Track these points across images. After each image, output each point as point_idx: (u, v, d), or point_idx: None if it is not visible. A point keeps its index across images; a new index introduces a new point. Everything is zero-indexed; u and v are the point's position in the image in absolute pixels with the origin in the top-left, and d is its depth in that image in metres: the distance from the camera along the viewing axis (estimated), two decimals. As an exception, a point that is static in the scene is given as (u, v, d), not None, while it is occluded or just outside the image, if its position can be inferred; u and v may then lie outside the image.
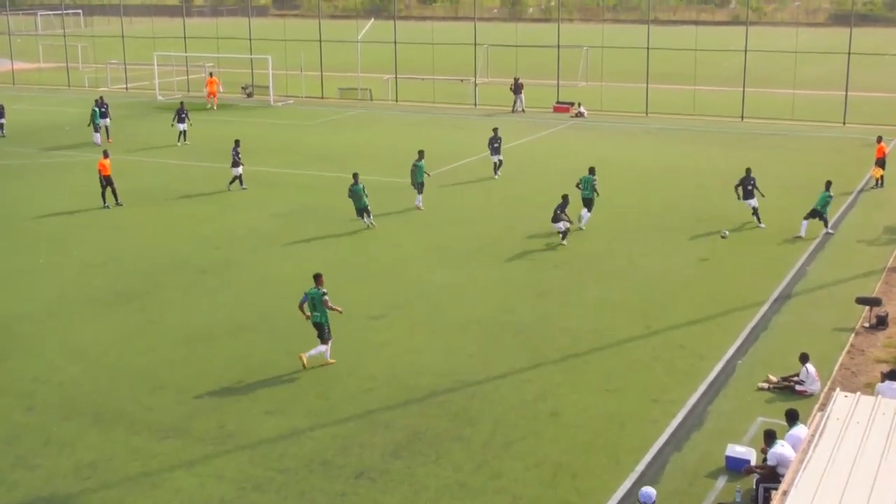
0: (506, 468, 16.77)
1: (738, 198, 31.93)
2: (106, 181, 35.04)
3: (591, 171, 32.10)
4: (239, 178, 37.22)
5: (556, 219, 29.72)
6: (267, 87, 63.34)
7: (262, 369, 20.85)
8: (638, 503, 14.58)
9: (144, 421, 18.55)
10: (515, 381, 20.21)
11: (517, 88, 57.67)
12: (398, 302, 24.76)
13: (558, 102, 58.45)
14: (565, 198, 29.99)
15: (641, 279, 26.75)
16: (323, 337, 20.98)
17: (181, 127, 47.38)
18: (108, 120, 48.61)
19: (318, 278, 21.18)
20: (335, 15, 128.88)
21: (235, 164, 36.97)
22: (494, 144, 38.94)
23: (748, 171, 32.01)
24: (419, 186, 34.29)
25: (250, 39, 67.06)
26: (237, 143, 37.61)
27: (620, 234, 30.85)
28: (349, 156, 44.11)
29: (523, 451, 17.33)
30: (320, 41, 64.63)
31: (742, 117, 54.07)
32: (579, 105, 56.78)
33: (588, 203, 31.57)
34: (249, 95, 65.37)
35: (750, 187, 31.63)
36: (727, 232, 30.06)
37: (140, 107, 60.70)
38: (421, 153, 34.76)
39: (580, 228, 31.24)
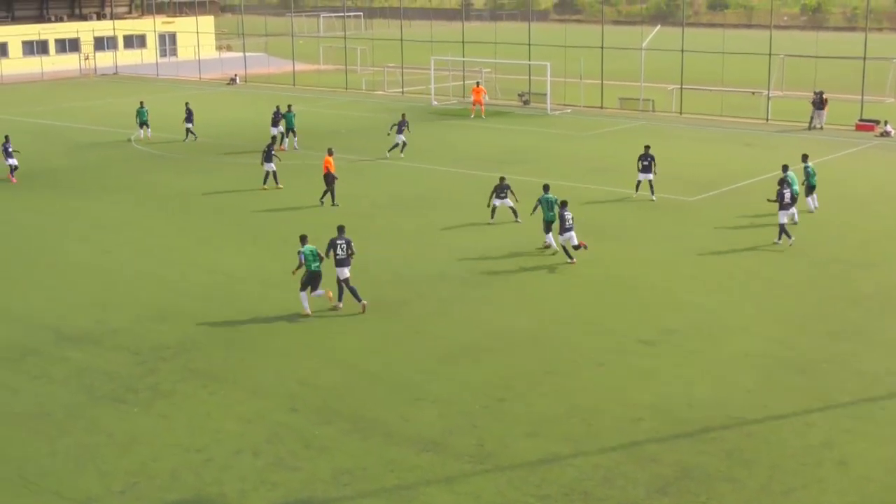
0: (783, 518, 16.13)
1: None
2: (327, 179, 36.43)
3: (785, 168, 33.61)
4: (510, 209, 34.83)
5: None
6: (544, 95, 63.94)
7: (525, 388, 21.02)
8: None
9: (403, 432, 19.11)
10: (797, 424, 19.39)
11: (819, 103, 55.40)
12: (670, 327, 24.30)
13: (861, 120, 55.75)
14: None
15: (950, 320, 25.07)
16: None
17: (400, 139, 45.90)
18: (279, 129, 49.13)
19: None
20: (619, 21, 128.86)
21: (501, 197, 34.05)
22: (644, 162, 37.14)
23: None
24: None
25: (529, 45, 67.86)
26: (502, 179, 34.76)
27: (927, 269, 29.02)
28: (627, 169, 43.82)
29: (805, 501, 16.58)
30: (602, 48, 64.61)
31: None
32: (885, 123, 53.95)
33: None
34: (526, 103, 66.16)
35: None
36: None
37: (415, 111, 62.65)
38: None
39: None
